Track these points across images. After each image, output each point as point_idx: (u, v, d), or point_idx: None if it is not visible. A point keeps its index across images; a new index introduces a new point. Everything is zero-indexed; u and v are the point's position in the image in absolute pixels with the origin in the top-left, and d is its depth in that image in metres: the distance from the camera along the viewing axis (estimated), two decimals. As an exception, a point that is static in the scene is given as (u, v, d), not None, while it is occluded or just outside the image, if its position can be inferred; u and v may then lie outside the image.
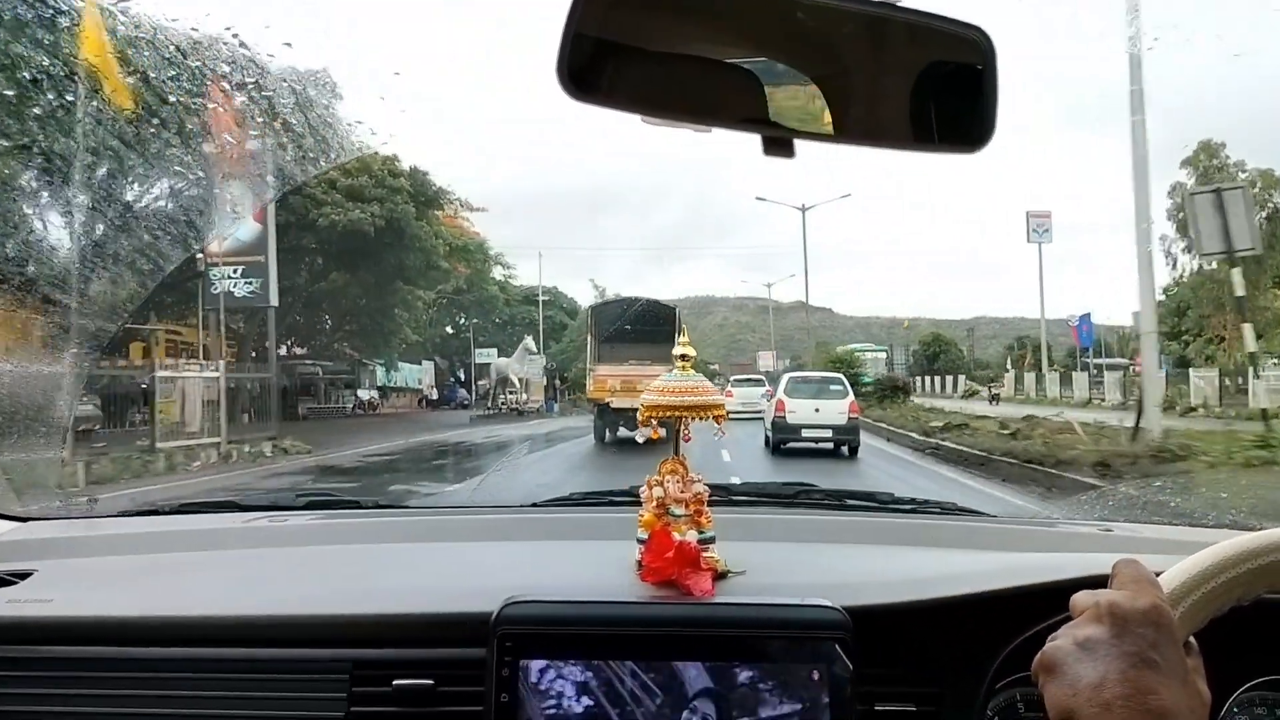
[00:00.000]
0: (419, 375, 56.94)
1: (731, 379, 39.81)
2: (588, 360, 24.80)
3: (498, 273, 53.27)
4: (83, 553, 1.87)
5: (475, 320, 57.45)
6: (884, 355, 49.13)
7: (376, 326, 40.27)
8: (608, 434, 21.00)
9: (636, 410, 1.62)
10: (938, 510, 2.16)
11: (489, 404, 39.26)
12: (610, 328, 25.01)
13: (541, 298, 56.02)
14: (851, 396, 19.11)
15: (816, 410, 18.33)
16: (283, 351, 41.80)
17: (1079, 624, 0.85)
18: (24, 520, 1.97)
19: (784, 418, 18.49)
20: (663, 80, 1.04)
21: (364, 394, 47.75)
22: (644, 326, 23.40)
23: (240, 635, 1.47)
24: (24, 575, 1.66)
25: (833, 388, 19.45)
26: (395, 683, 1.38)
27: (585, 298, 64.38)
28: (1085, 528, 2.07)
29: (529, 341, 39.55)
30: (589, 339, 25.27)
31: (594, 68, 1.00)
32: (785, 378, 20.80)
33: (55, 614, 1.53)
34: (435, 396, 53.66)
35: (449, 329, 59.62)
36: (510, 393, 38.56)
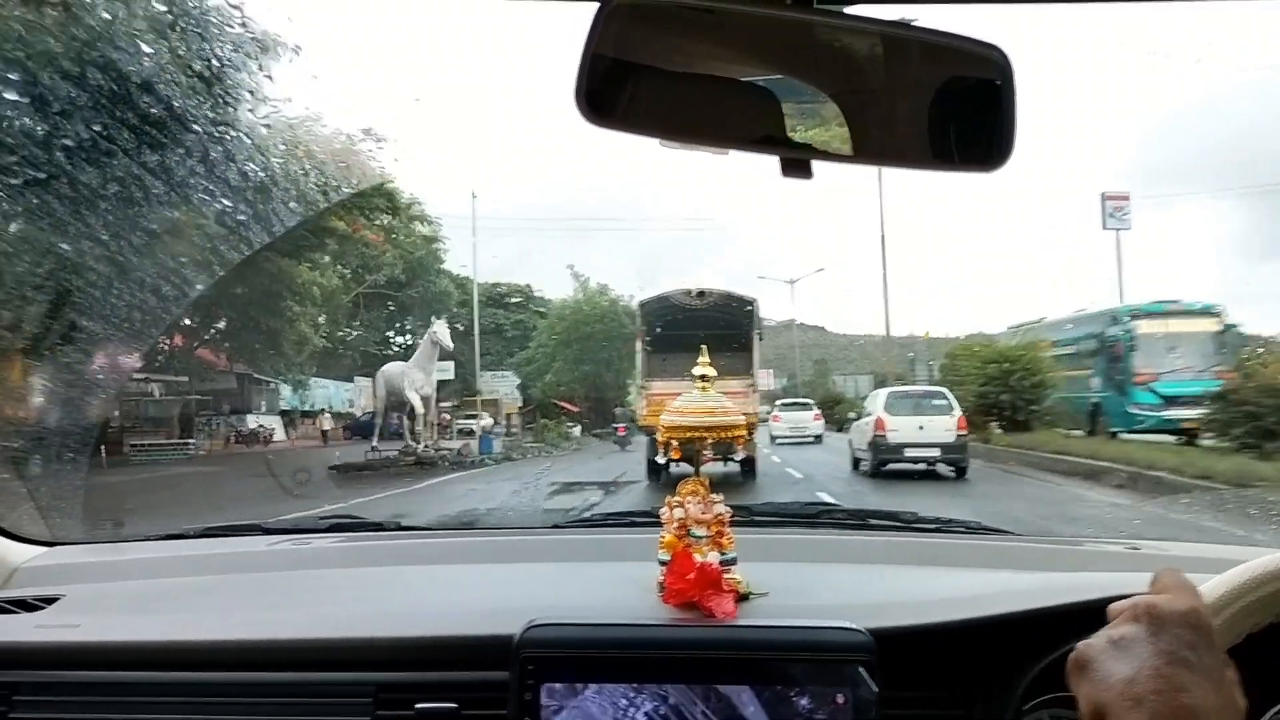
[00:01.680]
0: (347, 396, 40.30)
1: (778, 403, 32.90)
2: (638, 375, 19.22)
3: (451, 261, 38.54)
4: (109, 577, 1.88)
5: (423, 325, 39.61)
6: (1217, 325, 20.51)
7: (251, 324, 25.95)
8: (663, 473, 15.91)
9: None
10: (962, 530, 2.14)
11: (375, 442, 22.91)
12: (667, 330, 18.43)
13: (476, 278, 38.69)
14: (959, 411, 17.35)
15: (920, 428, 16.73)
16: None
17: (1115, 624, 0.85)
18: (51, 545, 1.98)
19: (884, 437, 16.75)
20: (681, 103, 1.05)
21: (255, 421, 33.50)
22: (712, 330, 16.23)
23: (264, 659, 1.48)
24: (51, 600, 1.68)
25: (936, 403, 17.71)
26: (418, 706, 1.38)
27: (562, 289, 51.10)
28: (1112, 546, 2.05)
29: (438, 330, 23.20)
30: (639, 346, 19.10)
31: (611, 92, 1.01)
32: (884, 394, 18.91)
33: (82, 639, 1.55)
34: (328, 426, 34.93)
35: (391, 334, 43.89)
36: (410, 422, 23.21)
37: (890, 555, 1.93)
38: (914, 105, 1.10)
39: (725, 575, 1.45)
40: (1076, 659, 0.84)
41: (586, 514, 2.36)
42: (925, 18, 1.09)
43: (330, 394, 38.47)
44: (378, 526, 2.27)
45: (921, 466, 16.73)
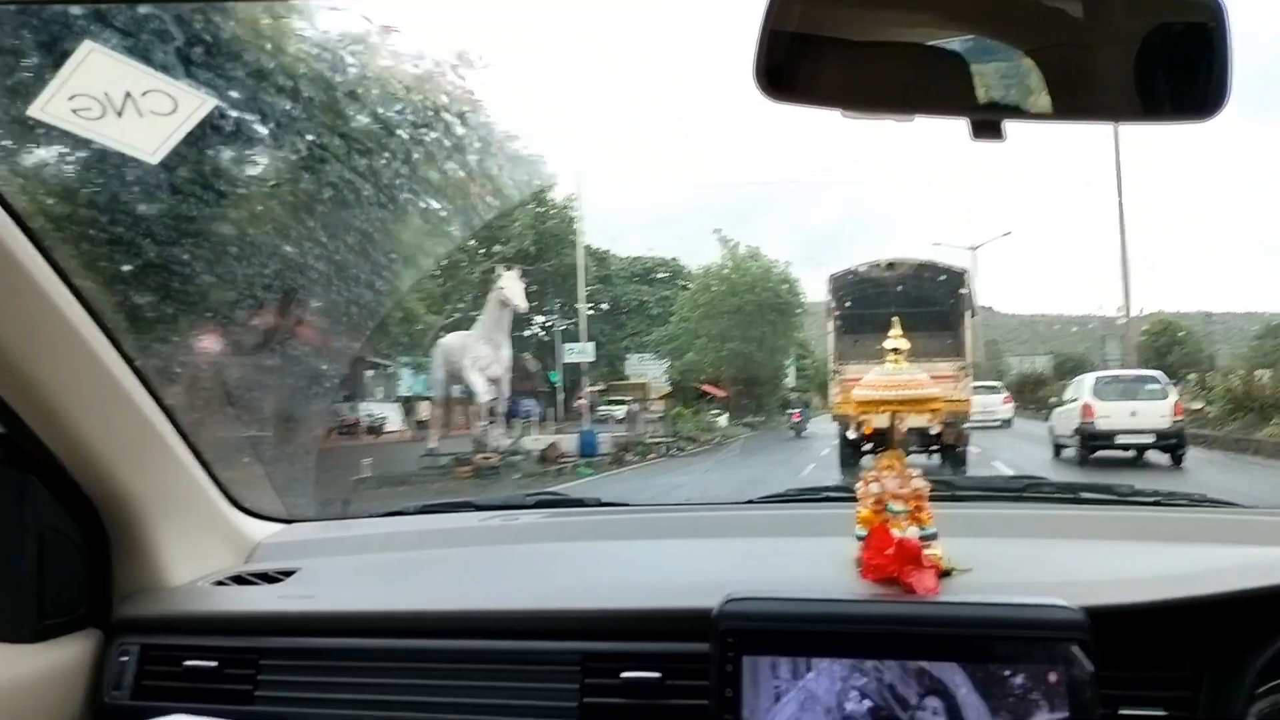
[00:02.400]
0: None
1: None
2: (829, 357, 17.06)
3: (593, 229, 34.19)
4: (339, 551, 2.04)
5: (559, 301, 35.02)
6: None
7: (352, 298, 12.21)
8: (857, 465, 13.22)
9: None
10: (1185, 502, 2.01)
11: (433, 444, 17.46)
12: (860, 307, 16.40)
13: (581, 234, 30.76)
14: (1174, 396, 16.47)
15: (1133, 414, 15.87)
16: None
17: None
18: (289, 522, 2.16)
19: (1093, 423, 16.03)
20: (863, 72, 1.03)
21: (364, 409, 28.45)
22: (913, 306, 14.97)
23: (480, 628, 1.57)
24: (289, 573, 1.84)
25: (1149, 387, 16.74)
26: (624, 675, 1.43)
27: (705, 255, 43.68)
28: None
29: (507, 284, 16.57)
30: (829, 326, 17.06)
31: (790, 66, 1.00)
32: (1090, 378, 18.06)
33: (317, 609, 1.69)
34: (426, 415, 24.29)
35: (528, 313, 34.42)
36: (475, 415, 17.34)
37: (1105, 530, 1.84)
38: (1118, 56, 1.04)
39: (925, 551, 1.43)
40: None
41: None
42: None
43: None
44: (579, 503, 2.35)
45: (1131, 454, 15.92)
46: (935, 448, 12.77)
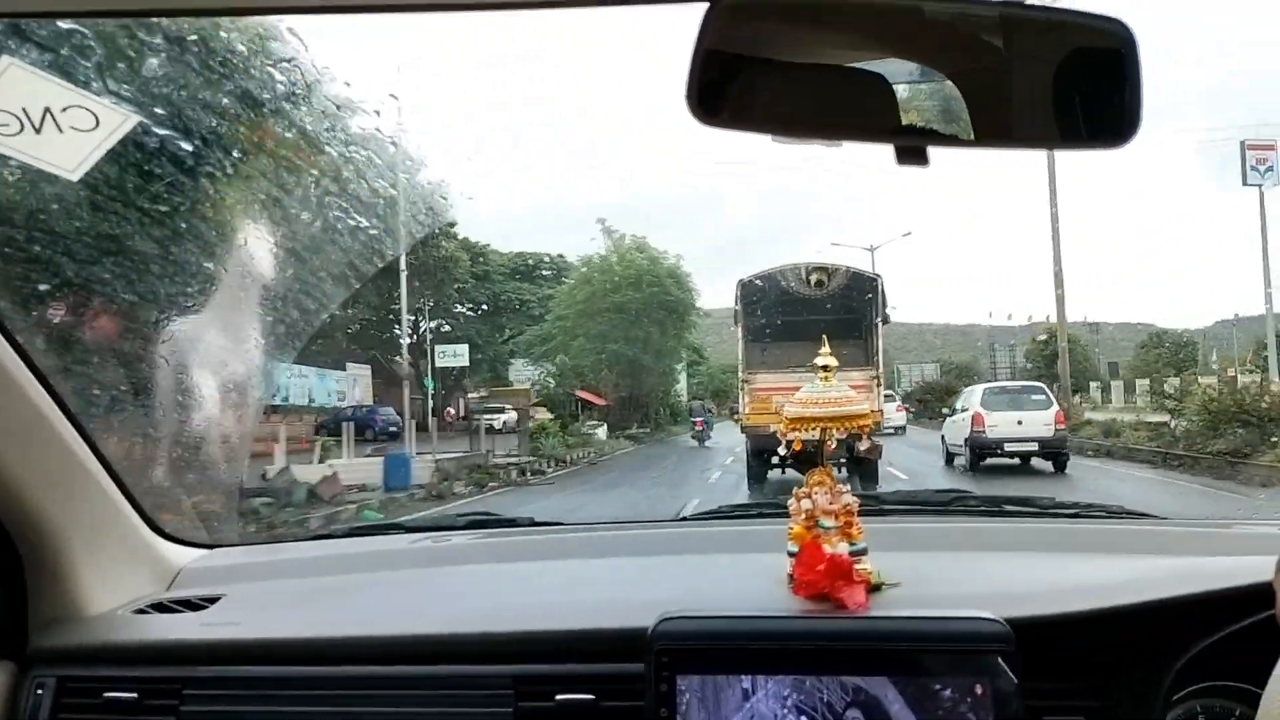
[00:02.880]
0: (337, 387, 30.60)
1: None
2: (739, 366, 16.05)
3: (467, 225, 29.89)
4: (264, 577, 2.00)
5: (430, 303, 31.65)
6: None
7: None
8: (765, 481, 13.53)
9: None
10: (1103, 514, 2.07)
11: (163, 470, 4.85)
12: (772, 315, 15.76)
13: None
14: (1056, 406, 17.67)
15: (1019, 423, 16.96)
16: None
17: None
18: (211, 547, 2.11)
19: (983, 432, 17.03)
20: (792, 99, 1.05)
21: None
22: (827, 314, 14.63)
23: (411, 653, 1.55)
24: (213, 599, 1.79)
25: (1034, 397, 18.05)
26: (558, 698, 1.42)
27: (585, 246, 40.04)
28: (1265, 528, 1.94)
29: (249, 244, 5.80)
30: (739, 333, 15.99)
31: (722, 92, 1.02)
32: (980, 389, 19.17)
33: (242, 636, 1.65)
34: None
35: (394, 311, 28.95)
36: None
37: (1027, 542, 1.89)
38: (1036, 83, 1.08)
39: (856, 566, 1.45)
40: None
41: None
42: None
43: (312, 384, 28.92)
44: (511, 523, 2.34)
45: (1016, 461, 16.89)
46: (843, 460, 12.65)
